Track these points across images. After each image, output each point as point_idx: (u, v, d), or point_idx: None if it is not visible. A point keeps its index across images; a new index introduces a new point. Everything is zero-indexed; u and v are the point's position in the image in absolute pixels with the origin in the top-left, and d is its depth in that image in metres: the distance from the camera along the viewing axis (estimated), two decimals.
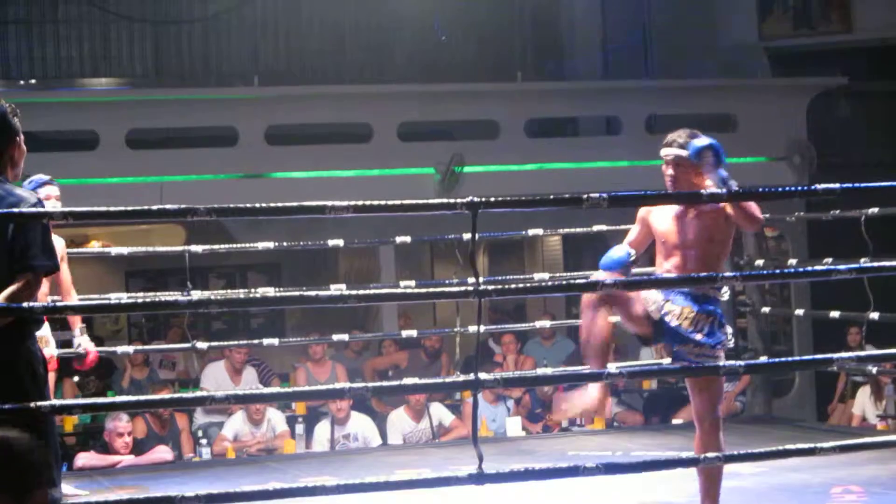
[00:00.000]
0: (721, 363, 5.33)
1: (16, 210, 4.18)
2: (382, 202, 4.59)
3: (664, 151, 5.48)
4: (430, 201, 4.90)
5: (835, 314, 8.82)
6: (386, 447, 9.67)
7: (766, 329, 9.90)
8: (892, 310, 8.25)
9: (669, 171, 5.46)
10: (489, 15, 14.50)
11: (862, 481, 6.68)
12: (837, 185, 4.85)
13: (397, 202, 4.66)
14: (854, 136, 14.42)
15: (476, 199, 4.51)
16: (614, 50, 15.13)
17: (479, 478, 4.50)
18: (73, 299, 6.36)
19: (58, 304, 5.70)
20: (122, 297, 9.36)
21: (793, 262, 9.89)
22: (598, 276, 5.42)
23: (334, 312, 12.85)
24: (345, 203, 4.45)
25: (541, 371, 10.14)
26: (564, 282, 9.62)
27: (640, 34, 14.95)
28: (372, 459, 8.56)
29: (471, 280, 4.52)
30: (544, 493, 6.06)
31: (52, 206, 6.36)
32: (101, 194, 10.98)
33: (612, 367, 5.31)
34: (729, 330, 5.47)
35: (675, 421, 10.32)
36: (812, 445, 4.92)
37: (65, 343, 7.79)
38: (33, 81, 13.53)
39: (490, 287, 4.64)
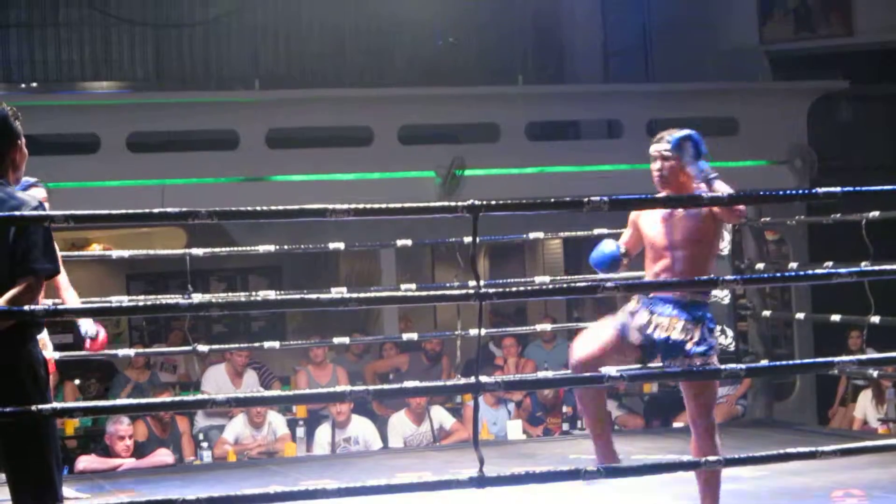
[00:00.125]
0: (717, 367, 5.33)
1: (17, 213, 4.18)
2: (383, 205, 4.59)
3: (653, 147, 5.50)
4: (431, 204, 4.89)
5: (836, 318, 8.82)
6: (387, 450, 9.68)
7: (767, 332, 9.90)
8: (892, 313, 8.24)
9: (657, 167, 5.48)
10: (490, 18, 14.51)
11: (863, 485, 6.68)
12: (838, 189, 4.85)
13: (398, 205, 4.66)
14: (855, 140, 14.41)
15: (477, 203, 4.51)
16: (615, 53, 15.13)
17: (480, 481, 4.50)
18: (73, 296, 6.35)
19: (59, 307, 5.70)
20: (123, 300, 9.36)
21: (793, 265, 9.90)
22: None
23: (335, 315, 12.83)
24: (345, 206, 4.45)
25: (542, 374, 10.14)
26: (565, 285, 9.65)
27: (641, 37, 14.96)
28: (373, 463, 8.56)
29: (471, 283, 4.52)
30: (545, 497, 6.05)
31: None
32: (102, 197, 11.00)
33: (613, 370, 5.30)
34: (719, 332, 5.48)
35: (676, 424, 10.31)
36: (813, 449, 4.91)
37: (65, 346, 7.80)
38: (34, 85, 13.53)
39: (491, 290, 4.64)
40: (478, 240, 4.60)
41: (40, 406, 4.15)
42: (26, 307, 4.14)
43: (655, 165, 5.49)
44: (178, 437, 9.90)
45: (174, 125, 12.16)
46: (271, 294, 9.18)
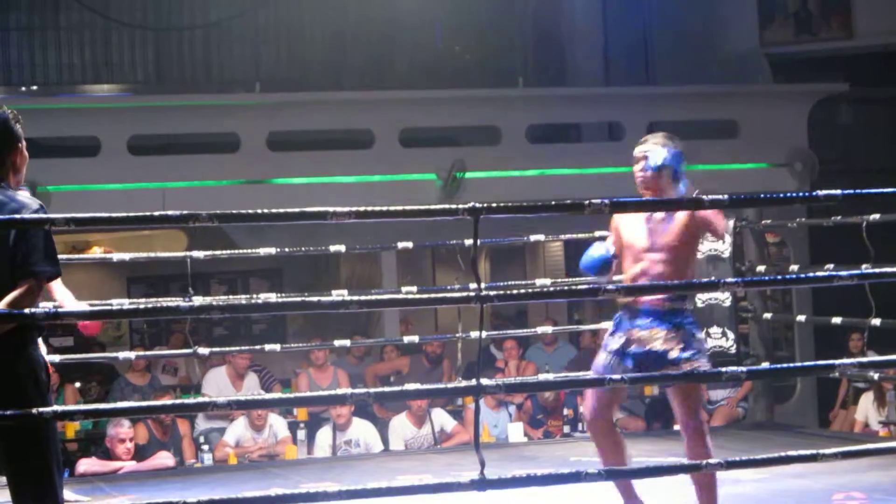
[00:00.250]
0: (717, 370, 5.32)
1: (18, 216, 4.18)
2: (384, 208, 4.59)
3: (637, 149, 5.52)
4: (432, 207, 4.89)
5: (836, 320, 8.82)
6: (388, 453, 9.68)
7: (768, 335, 9.90)
8: (893, 316, 8.24)
9: (639, 167, 5.49)
10: (491, 21, 14.52)
11: (864, 488, 6.67)
12: (839, 192, 4.85)
13: (399, 208, 4.66)
14: (855, 142, 14.42)
15: (478, 205, 4.51)
16: (616, 56, 15.13)
17: (481, 484, 4.50)
18: (69, 296, 6.34)
19: (60, 310, 5.70)
20: (124, 303, 9.36)
21: (794, 268, 9.90)
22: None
23: (336, 318, 12.85)
24: (346, 209, 4.45)
25: (543, 377, 10.14)
26: (566, 287, 9.64)
27: (642, 40, 14.96)
28: (373, 465, 8.56)
29: (472, 286, 4.52)
30: (546, 499, 6.05)
31: None
32: (103, 200, 11.01)
33: (616, 375, 5.31)
34: (719, 334, 5.48)
35: (677, 427, 10.29)
36: (814, 451, 4.91)
37: (65, 349, 7.80)
38: (35, 88, 13.55)
39: (492, 293, 4.64)
40: (479, 242, 4.60)
41: (41, 409, 4.15)
42: (27, 310, 4.14)
43: (638, 167, 5.52)
44: (179, 440, 9.90)
45: (175, 128, 12.16)
46: (272, 297, 9.18)
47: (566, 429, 10.46)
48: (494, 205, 4.63)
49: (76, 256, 10.68)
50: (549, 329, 10.80)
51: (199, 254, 8.36)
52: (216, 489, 7.58)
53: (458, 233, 8.52)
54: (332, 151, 12.50)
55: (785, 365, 10.24)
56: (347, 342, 9.63)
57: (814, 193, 4.95)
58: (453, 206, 4.59)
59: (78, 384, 11.55)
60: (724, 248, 9.00)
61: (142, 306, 8.27)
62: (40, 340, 6.75)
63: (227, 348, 10.10)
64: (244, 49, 13.91)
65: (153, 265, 13.50)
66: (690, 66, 14.22)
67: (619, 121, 13.20)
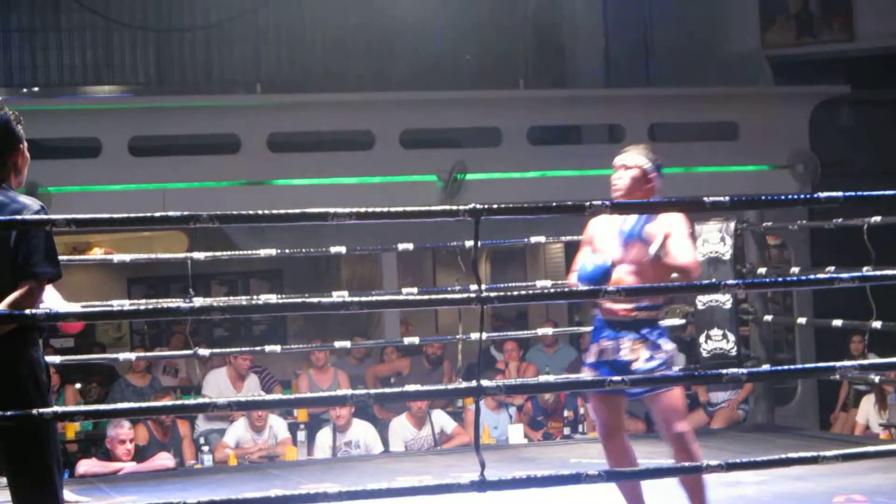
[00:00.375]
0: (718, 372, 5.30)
1: (18, 217, 4.18)
2: (385, 209, 4.59)
3: (617, 159, 5.52)
4: (433, 208, 4.88)
5: (837, 323, 8.82)
6: (388, 454, 9.68)
7: (769, 337, 9.90)
8: (894, 318, 8.23)
9: (616, 176, 5.48)
10: (492, 22, 14.51)
11: (865, 490, 6.67)
12: (840, 194, 4.85)
13: (400, 209, 4.66)
14: (856, 145, 14.41)
15: (478, 207, 4.51)
16: (617, 58, 15.13)
17: (482, 485, 4.49)
18: (56, 297, 6.34)
19: (61, 311, 5.70)
20: (125, 304, 9.37)
21: (795, 270, 9.89)
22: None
23: (336, 319, 12.85)
24: (347, 210, 4.44)
25: (543, 378, 10.14)
26: (567, 289, 9.63)
27: (643, 42, 14.96)
28: (374, 466, 8.56)
29: (473, 287, 4.51)
30: (546, 501, 6.05)
31: None
32: (104, 201, 11.01)
33: (617, 377, 5.30)
34: (671, 346, 5.42)
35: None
36: (815, 454, 4.91)
37: (66, 350, 7.80)
38: (36, 89, 13.54)
39: (492, 294, 4.64)
40: (479, 244, 4.60)
41: (41, 409, 4.15)
42: (27, 311, 4.14)
43: (615, 175, 5.51)
44: (179, 441, 9.90)
45: (176, 129, 12.16)
46: (272, 298, 9.18)
47: (566, 430, 10.46)
48: (495, 206, 4.62)
49: (77, 258, 10.69)
50: (549, 331, 10.80)
51: (199, 255, 8.36)
52: (216, 490, 7.58)
53: (458, 234, 8.53)
54: (333, 153, 12.50)
55: (786, 367, 10.24)
56: (348, 343, 9.63)
57: (815, 195, 4.94)
58: (454, 208, 4.59)
59: (78, 385, 11.55)
60: (725, 250, 9.00)
61: (142, 307, 8.27)
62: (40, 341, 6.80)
63: (228, 349, 10.11)
64: (245, 50, 13.90)
65: (154, 266, 13.51)
66: (691, 67, 14.22)
67: (619, 122, 13.20)
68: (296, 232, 10.17)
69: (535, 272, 14.85)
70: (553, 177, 12.57)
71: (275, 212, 4.45)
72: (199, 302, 8.01)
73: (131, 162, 11.77)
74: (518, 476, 4.76)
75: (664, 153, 13.74)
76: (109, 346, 14.11)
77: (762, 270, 9.34)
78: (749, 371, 6.79)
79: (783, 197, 5.00)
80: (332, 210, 4.43)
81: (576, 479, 4.70)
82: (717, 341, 9.06)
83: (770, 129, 13.03)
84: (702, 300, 9.16)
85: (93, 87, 13.78)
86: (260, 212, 4.43)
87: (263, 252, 8.68)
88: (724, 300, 9.08)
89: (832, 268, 8.13)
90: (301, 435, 10.01)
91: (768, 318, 9.74)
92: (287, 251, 8.87)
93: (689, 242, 5.38)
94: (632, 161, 5.51)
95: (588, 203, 4.63)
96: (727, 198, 4.80)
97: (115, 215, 4.39)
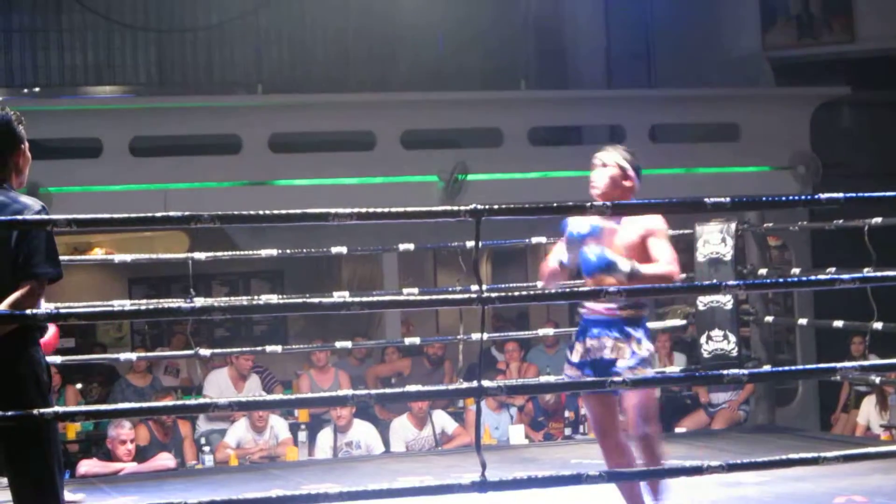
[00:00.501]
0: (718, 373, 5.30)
1: (20, 217, 4.18)
2: (386, 209, 4.59)
3: (596, 157, 5.51)
4: (434, 209, 4.88)
5: (838, 324, 8.82)
6: (389, 455, 9.68)
7: (770, 338, 9.90)
8: (895, 319, 8.24)
9: (594, 174, 5.48)
10: (493, 23, 14.50)
11: (866, 491, 6.67)
12: (841, 195, 4.85)
13: (401, 209, 4.66)
14: (857, 146, 14.41)
15: (479, 207, 4.51)
16: (618, 58, 15.13)
17: (482, 485, 4.50)
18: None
19: (62, 311, 5.70)
20: (126, 305, 9.38)
21: (796, 271, 9.89)
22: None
23: (337, 320, 12.85)
24: (348, 210, 4.45)
25: (544, 379, 10.14)
26: (568, 290, 9.63)
27: (644, 43, 14.95)
28: (374, 467, 8.57)
29: (474, 288, 4.52)
30: (547, 501, 6.05)
31: None
32: (105, 202, 11.01)
33: (617, 377, 5.29)
34: (650, 346, 5.41)
35: (678, 429, 10.32)
36: (815, 455, 4.91)
37: (67, 350, 7.80)
38: (37, 89, 13.53)
39: (493, 295, 4.64)
40: (480, 244, 4.61)
41: (42, 410, 4.15)
42: (28, 311, 4.14)
43: (593, 173, 5.50)
44: (180, 442, 9.90)
45: (177, 129, 12.17)
46: (273, 298, 9.18)
47: (567, 431, 10.46)
48: (496, 207, 4.63)
49: (78, 258, 10.70)
50: (550, 331, 10.80)
51: (200, 255, 8.37)
52: (217, 490, 7.58)
53: (459, 234, 8.53)
54: (334, 153, 12.50)
55: (786, 368, 10.23)
56: (349, 344, 9.64)
57: (816, 197, 4.95)
58: (455, 208, 4.59)
59: (79, 385, 11.56)
60: (726, 251, 9.00)
61: (143, 307, 8.27)
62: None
63: (229, 350, 10.12)
64: (246, 51, 13.89)
65: (155, 266, 13.50)
66: (692, 68, 14.22)
67: (620, 123, 13.19)
68: (297, 232, 10.17)
69: (536, 273, 14.80)
70: (554, 177, 12.56)
71: (276, 212, 4.46)
72: (200, 302, 8.02)
73: (132, 162, 11.78)
74: (519, 477, 4.76)
75: (665, 154, 13.83)
76: (110, 346, 14.12)
77: (763, 271, 9.34)
78: (750, 372, 6.79)
79: (784, 198, 5.01)
80: (333, 210, 4.43)
81: (577, 479, 4.71)
82: (717, 342, 9.06)
83: (771, 130, 13.03)
84: (703, 301, 9.17)
85: (94, 87, 13.77)
86: (261, 212, 4.44)
87: (264, 252, 8.68)
88: (725, 301, 9.08)
89: (833, 269, 8.14)
90: (302, 435, 10.01)
91: (769, 318, 9.74)
92: (288, 251, 8.88)
93: (668, 245, 5.36)
94: (610, 159, 5.51)
95: (589, 203, 4.64)
96: (728, 199, 4.80)
97: (116, 215, 4.40)
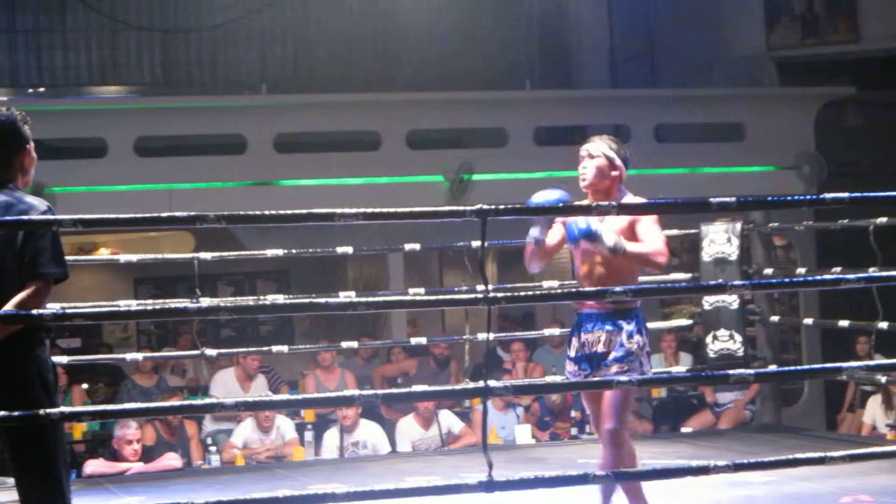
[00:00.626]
0: (633, 375, 5.28)
1: (25, 217, 4.19)
2: (391, 210, 4.59)
3: (583, 148, 5.51)
4: (439, 209, 4.89)
5: (843, 323, 8.81)
6: (395, 455, 9.68)
7: (775, 338, 9.89)
8: None
9: (582, 166, 5.49)
10: (497, 23, 14.50)
11: (872, 490, 6.67)
12: (846, 195, 4.85)
13: (406, 210, 4.67)
14: (862, 146, 14.40)
15: (485, 207, 4.51)
16: (622, 58, 15.12)
17: (489, 485, 4.50)
18: None
19: (67, 311, 5.71)
20: (131, 305, 9.37)
21: (801, 270, 9.89)
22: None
23: (343, 320, 12.85)
24: (354, 210, 4.45)
25: (550, 379, 10.13)
26: (573, 290, 9.63)
27: (648, 43, 14.95)
28: (381, 467, 8.57)
29: (480, 288, 4.52)
30: (554, 501, 6.05)
31: None
32: (110, 202, 11.02)
33: (623, 376, 5.29)
34: (642, 338, 5.40)
35: (685, 429, 10.31)
36: (822, 454, 4.91)
37: (73, 350, 7.81)
38: (42, 89, 13.55)
39: (499, 295, 4.64)
40: (486, 244, 4.61)
41: (48, 410, 4.15)
42: (34, 311, 4.14)
43: (581, 164, 5.52)
44: (187, 442, 9.90)
45: (182, 129, 12.17)
46: (279, 298, 9.18)
47: (574, 431, 10.46)
48: (502, 206, 4.63)
49: (83, 258, 10.71)
50: (556, 331, 10.77)
51: (206, 255, 8.37)
52: (223, 491, 7.59)
53: (465, 234, 8.53)
54: (339, 153, 12.50)
55: (792, 368, 10.23)
56: (355, 344, 9.64)
57: (821, 196, 4.95)
58: (460, 208, 4.60)
59: (85, 385, 11.56)
60: (732, 250, 9.00)
61: (149, 308, 8.29)
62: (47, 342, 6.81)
63: (235, 350, 10.12)
64: (251, 51, 13.90)
65: (160, 266, 13.48)
66: (696, 68, 14.21)
67: (625, 123, 13.19)
68: (303, 232, 10.18)
69: (542, 273, 14.82)
70: (559, 177, 12.54)
71: (281, 212, 4.46)
72: (205, 302, 8.02)
73: (137, 162, 11.79)
74: (525, 476, 4.76)
75: (670, 154, 13.83)
76: (116, 346, 14.12)
77: (768, 271, 9.34)
78: (756, 371, 6.78)
79: (789, 198, 5.01)
80: (338, 210, 4.43)
81: (583, 479, 4.71)
82: (723, 342, 9.06)
83: (776, 130, 13.02)
84: (708, 301, 9.17)
85: (99, 87, 13.79)
86: (266, 212, 4.44)
87: (270, 252, 8.68)
88: (731, 301, 9.08)
89: (838, 269, 8.14)
90: (308, 435, 10.01)
91: (775, 318, 9.73)
92: (294, 251, 8.88)
93: (657, 229, 5.36)
94: (596, 150, 5.53)
95: (595, 203, 4.64)
96: (733, 199, 4.80)
97: (122, 216, 4.40)
